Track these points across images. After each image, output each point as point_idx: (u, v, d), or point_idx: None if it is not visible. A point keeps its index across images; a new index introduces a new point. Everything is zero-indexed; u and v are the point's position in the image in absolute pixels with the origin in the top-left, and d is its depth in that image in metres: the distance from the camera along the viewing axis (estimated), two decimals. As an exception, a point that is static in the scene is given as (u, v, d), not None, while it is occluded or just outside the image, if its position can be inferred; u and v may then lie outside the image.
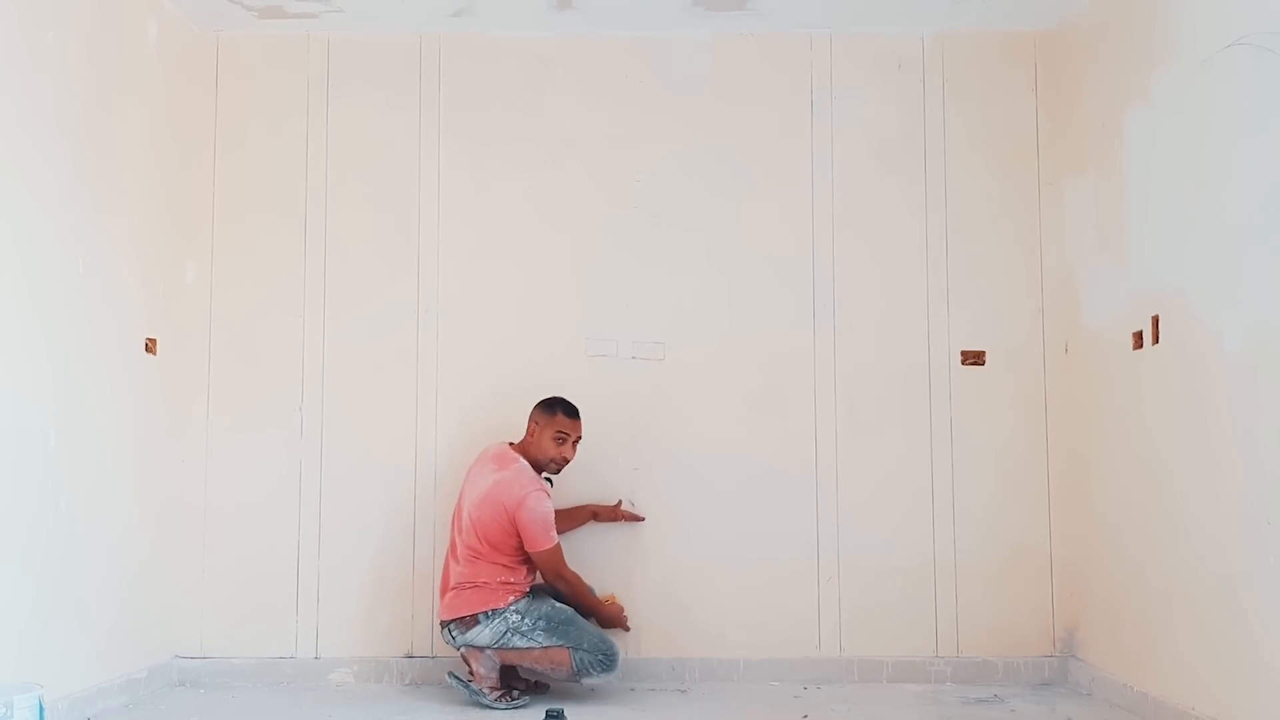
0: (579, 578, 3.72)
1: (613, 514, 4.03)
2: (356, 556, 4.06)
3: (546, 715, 3.40)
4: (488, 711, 3.55)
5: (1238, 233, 2.97)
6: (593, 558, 4.01)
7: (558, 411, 3.74)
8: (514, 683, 3.72)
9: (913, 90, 4.19)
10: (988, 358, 4.11)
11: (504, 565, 3.62)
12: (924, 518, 4.06)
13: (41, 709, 2.62)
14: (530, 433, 3.75)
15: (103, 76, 3.55)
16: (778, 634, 4.02)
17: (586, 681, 3.62)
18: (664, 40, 4.21)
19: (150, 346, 3.81)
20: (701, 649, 4.01)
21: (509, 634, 3.56)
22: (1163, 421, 3.35)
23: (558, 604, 3.67)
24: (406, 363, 4.11)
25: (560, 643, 3.57)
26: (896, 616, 4.03)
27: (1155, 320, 3.38)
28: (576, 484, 4.00)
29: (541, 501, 3.62)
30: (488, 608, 3.58)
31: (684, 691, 3.86)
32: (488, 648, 3.58)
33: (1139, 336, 3.49)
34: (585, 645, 3.58)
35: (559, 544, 3.66)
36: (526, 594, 3.66)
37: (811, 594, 4.05)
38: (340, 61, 4.21)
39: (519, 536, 3.60)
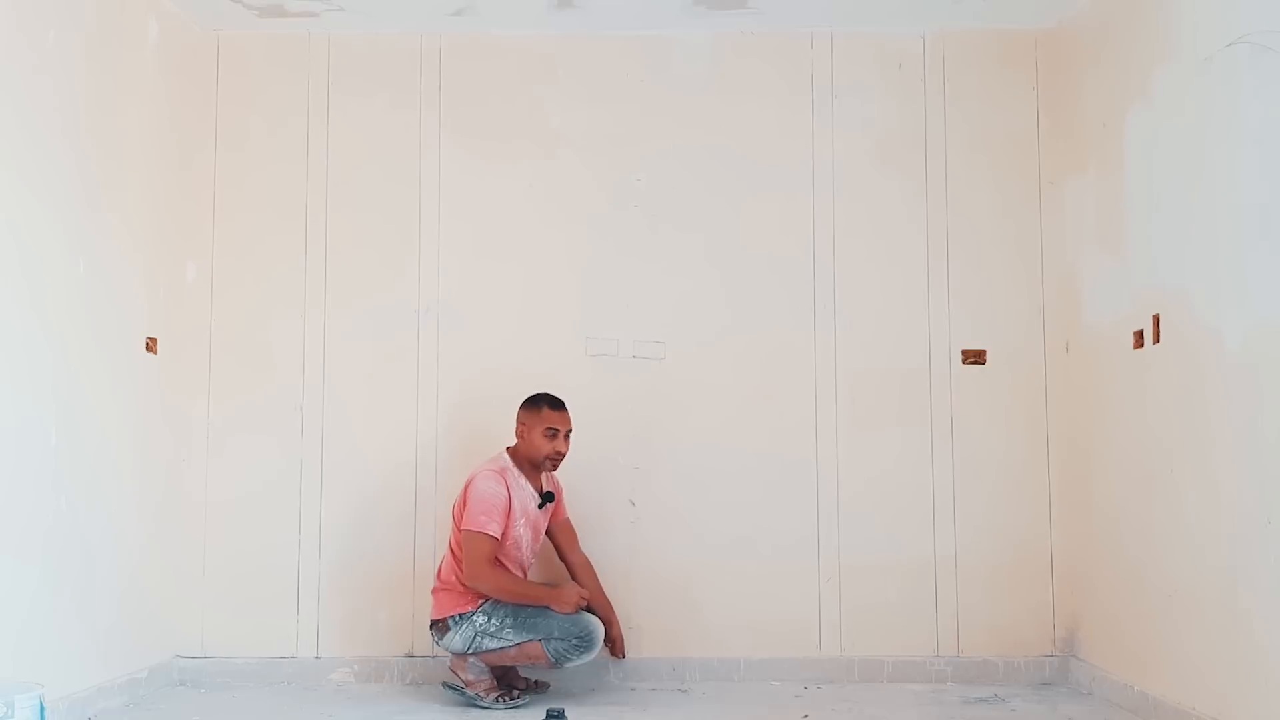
0: (509, 576, 3.56)
1: (607, 612, 3.77)
2: (357, 556, 4.06)
3: (547, 715, 3.40)
4: (487, 712, 3.54)
5: (1239, 231, 2.96)
6: (594, 556, 4.01)
7: (543, 406, 3.70)
8: (514, 682, 3.71)
9: (913, 89, 4.19)
10: (988, 357, 4.11)
11: None
12: (924, 517, 4.06)
13: (42, 709, 2.62)
14: (519, 434, 3.73)
15: (103, 76, 3.54)
16: (778, 633, 4.02)
17: (569, 667, 3.57)
18: (664, 39, 4.20)
19: (151, 346, 3.81)
20: (702, 649, 4.01)
21: (478, 637, 3.53)
22: (1164, 420, 3.35)
23: (507, 634, 3.56)
24: (407, 362, 4.11)
25: (530, 637, 3.51)
26: (897, 616, 4.03)
27: (1156, 319, 3.38)
28: (577, 483, 4.00)
29: (489, 482, 3.55)
30: (456, 612, 3.56)
31: (684, 691, 3.86)
32: (464, 653, 3.56)
33: (1140, 335, 3.49)
34: (556, 634, 3.51)
35: (491, 537, 3.49)
36: (481, 608, 3.56)
37: (812, 594, 4.05)
38: (341, 61, 4.21)
39: None
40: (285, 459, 4.08)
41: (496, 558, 3.57)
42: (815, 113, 4.18)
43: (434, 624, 3.63)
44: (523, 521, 3.65)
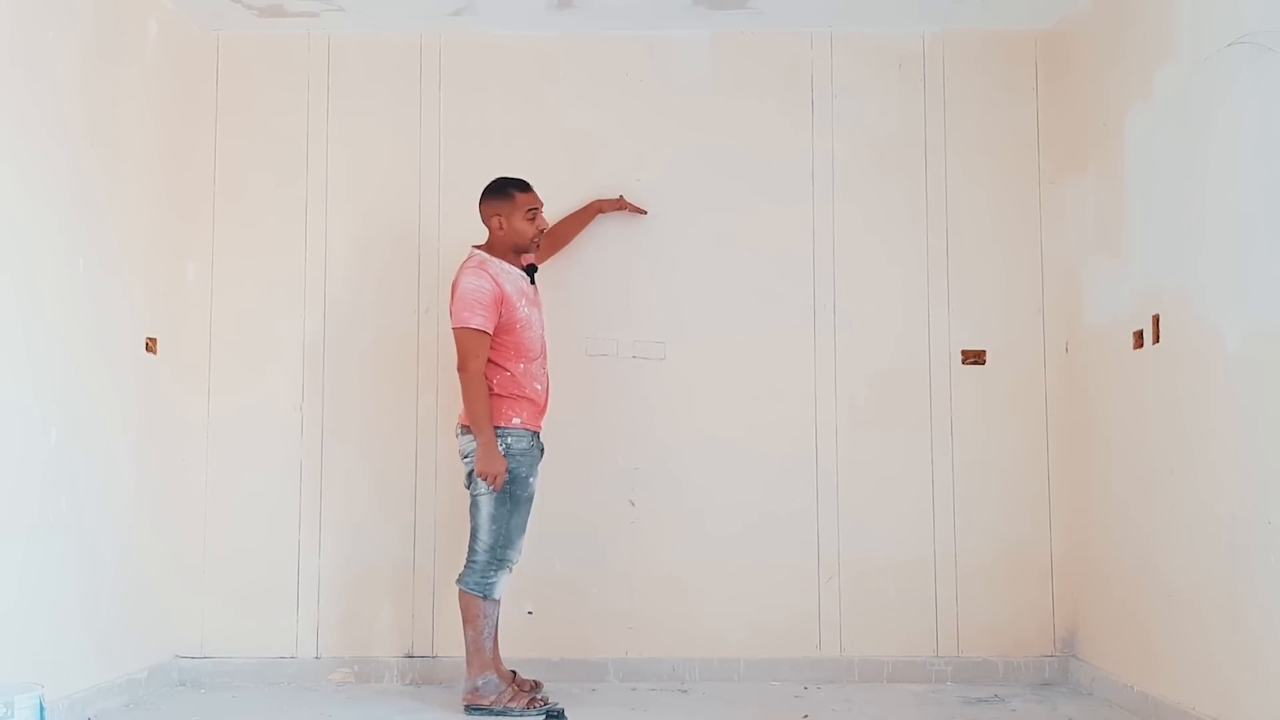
0: (483, 386, 3.49)
1: (617, 204, 4.08)
2: (356, 556, 4.06)
3: (547, 715, 3.41)
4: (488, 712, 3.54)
5: (1239, 232, 2.96)
6: (594, 556, 4.03)
7: (514, 192, 3.65)
8: (521, 685, 3.66)
9: (913, 89, 4.19)
10: (988, 357, 4.11)
11: (490, 362, 3.54)
12: (924, 517, 4.06)
13: (42, 709, 2.62)
14: (498, 226, 3.64)
15: (103, 76, 3.54)
16: (778, 634, 4.02)
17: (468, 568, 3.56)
18: (664, 39, 4.20)
19: (150, 346, 3.81)
20: (701, 649, 4.01)
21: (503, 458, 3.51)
22: (1163, 421, 3.35)
23: (531, 482, 3.58)
24: (407, 362, 4.11)
25: (476, 520, 3.53)
26: (897, 616, 4.03)
27: (1156, 319, 3.38)
28: (577, 483, 4.02)
29: (471, 278, 3.52)
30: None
31: (684, 691, 3.86)
32: (467, 457, 3.54)
33: (1139, 336, 3.49)
34: (483, 539, 3.51)
35: (482, 332, 3.48)
36: (530, 430, 3.58)
37: (812, 594, 4.05)
38: (341, 61, 4.20)
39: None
40: (285, 459, 4.08)
41: (522, 352, 3.59)
42: (815, 112, 4.18)
43: (464, 428, 3.58)
44: (524, 302, 3.62)
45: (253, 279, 4.14)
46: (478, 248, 3.68)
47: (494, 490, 3.51)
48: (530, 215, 3.66)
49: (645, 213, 4.12)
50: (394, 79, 4.20)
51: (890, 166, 4.17)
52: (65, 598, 3.30)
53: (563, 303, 4.11)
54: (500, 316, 3.55)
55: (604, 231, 4.15)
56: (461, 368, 3.51)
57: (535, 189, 3.71)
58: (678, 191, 4.17)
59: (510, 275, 3.62)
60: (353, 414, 4.10)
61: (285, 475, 4.08)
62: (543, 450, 3.68)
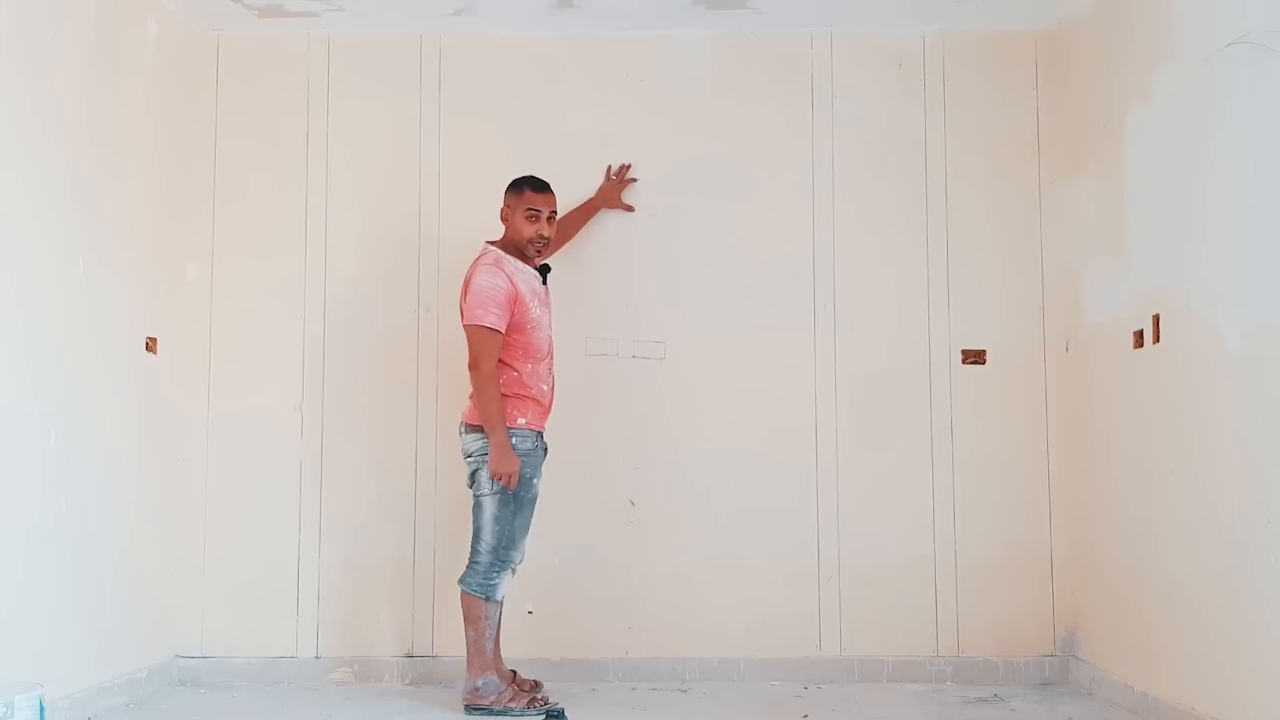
0: (495, 386, 3.46)
1: (611, 191, 4.09)
2: (356, 556, 4.06)
3: (547, 715, 3.41)
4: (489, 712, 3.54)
5: (1238, 231, 2.96)
6: (594, 556, 4.03)
7: (524, 189, 3.62)
8: (521, 684, 3.66)
9: (913, 89, 4.19)
10: (988, 357, 4.11)
11: (499, 361, 3.51)
12: (924, 517, 4.06)
13: (42, 709, 2.63)
14: (504, 218, 3.64)
15: (103, 76, 3.54)
16: (778, 634, 4.02)
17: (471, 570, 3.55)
18: (664, 39, 4.20)
19: (151, 346, 3.81)
20: (701, 649, 4.01)
21: (486, 460, 3.48)
22: (1163, 420, 3.35)
23: (535, 483, 3.56)
24: (407, 362, 4.11)
25: (479, 521, 3.52)
26: (897, 616, 4.03)
27: (1156, 319, 3.38)
28: (577, 483, 4.02)
29: (486, 275, 3.49)
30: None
31: (684, 691, 3.86)
32: (470, 456, 3.53)
33: (1140, 335, 3.49)
34: (486, 540, 3.50)
35: (495, 331, 3.45)
36: (534, 430, 3.56)
37: (812, 593, 4.05)
38: (341, 61, 4.20)
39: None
40: (285, 459, 4.08)
41: (530, 352, 3.56)
42: (815, 112, 4.18)
43: (468, 426, 3.56)
44: (535, 302, 3.59)
45: (253, 279, 4.14)
46: (492, 243, 3.67)
47: (509, 490, 3.50)
48: (530, 216, 3.60)
49: (632, 209, 4.13)
50: (394, 79, 4.20)
51: (890, 166, 4.17)
52: (65, 598, 3.30)
53: (563, 302, 4.10)
54: (512, 316, 3.53)
55: (605, 231, 4.15)
56: (474, 366, 3.49)
57: (552, 191, 3.66)
58: (678, 191, 4.17)
59: (524, 274, 3.61)
60: (353, 414, 4.10)
61: (285, 475, 4.08)
62: (546, 450, 3.67)
